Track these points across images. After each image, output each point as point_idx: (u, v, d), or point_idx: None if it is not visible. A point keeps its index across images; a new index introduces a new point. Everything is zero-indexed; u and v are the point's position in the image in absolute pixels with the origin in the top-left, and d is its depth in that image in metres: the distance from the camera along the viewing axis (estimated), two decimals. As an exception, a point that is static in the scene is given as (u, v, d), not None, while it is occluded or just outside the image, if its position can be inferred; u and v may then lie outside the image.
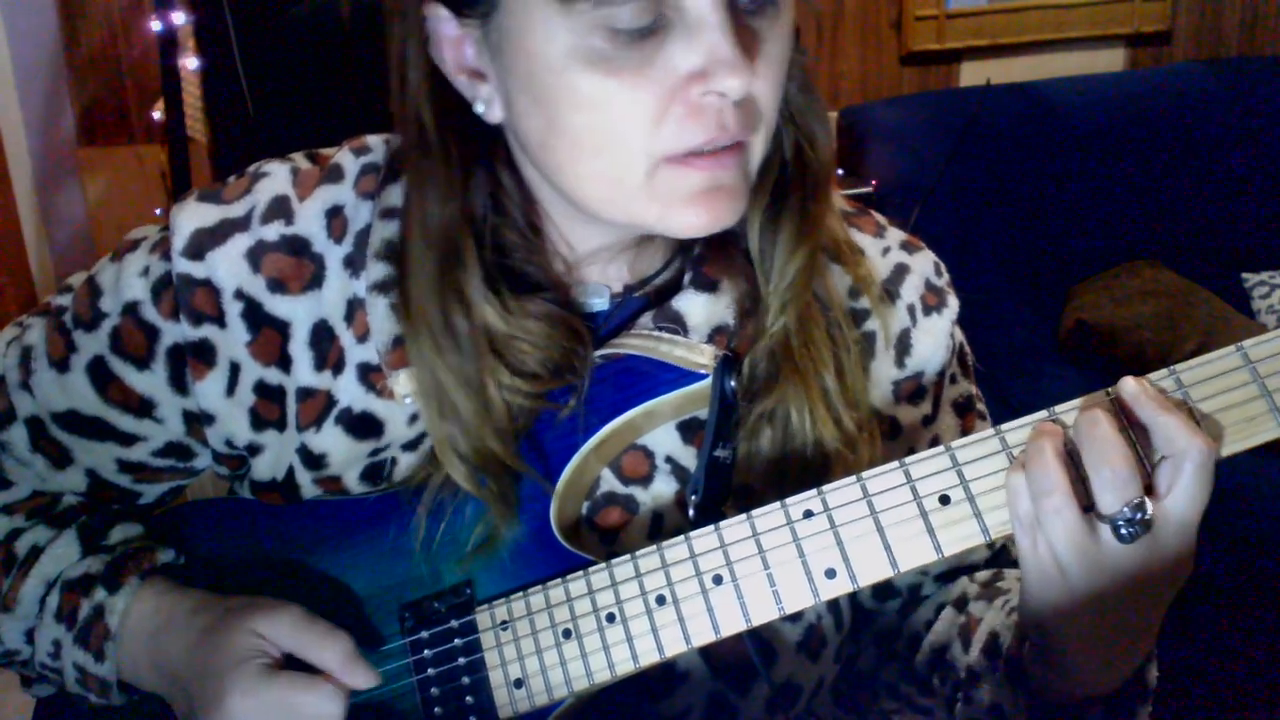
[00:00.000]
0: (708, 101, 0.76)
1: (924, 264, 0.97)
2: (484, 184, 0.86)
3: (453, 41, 0.82)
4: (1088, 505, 0.70)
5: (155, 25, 2.46)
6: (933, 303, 0.95)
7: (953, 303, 0.96)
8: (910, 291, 0.95)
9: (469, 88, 0.83)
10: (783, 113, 0.86)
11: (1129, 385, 0.72)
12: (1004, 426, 0.75)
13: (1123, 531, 0.69)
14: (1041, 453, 0.71)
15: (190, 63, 2.47)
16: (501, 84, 0.81)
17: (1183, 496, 0.69)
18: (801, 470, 0.87)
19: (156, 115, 2.59)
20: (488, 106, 0.83)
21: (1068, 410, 0.74)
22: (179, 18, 2.44)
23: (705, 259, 0.90)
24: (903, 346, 0.94)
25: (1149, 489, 0.70)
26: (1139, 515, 0.69)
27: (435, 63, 0.83)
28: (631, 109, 0.76)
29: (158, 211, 2.78)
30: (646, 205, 0.79)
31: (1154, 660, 0.82)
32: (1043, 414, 0.74)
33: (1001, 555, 0.99)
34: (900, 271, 0.95)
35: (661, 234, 0.82)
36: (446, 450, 0.84)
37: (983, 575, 0.98)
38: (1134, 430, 0.71)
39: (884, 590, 1.00)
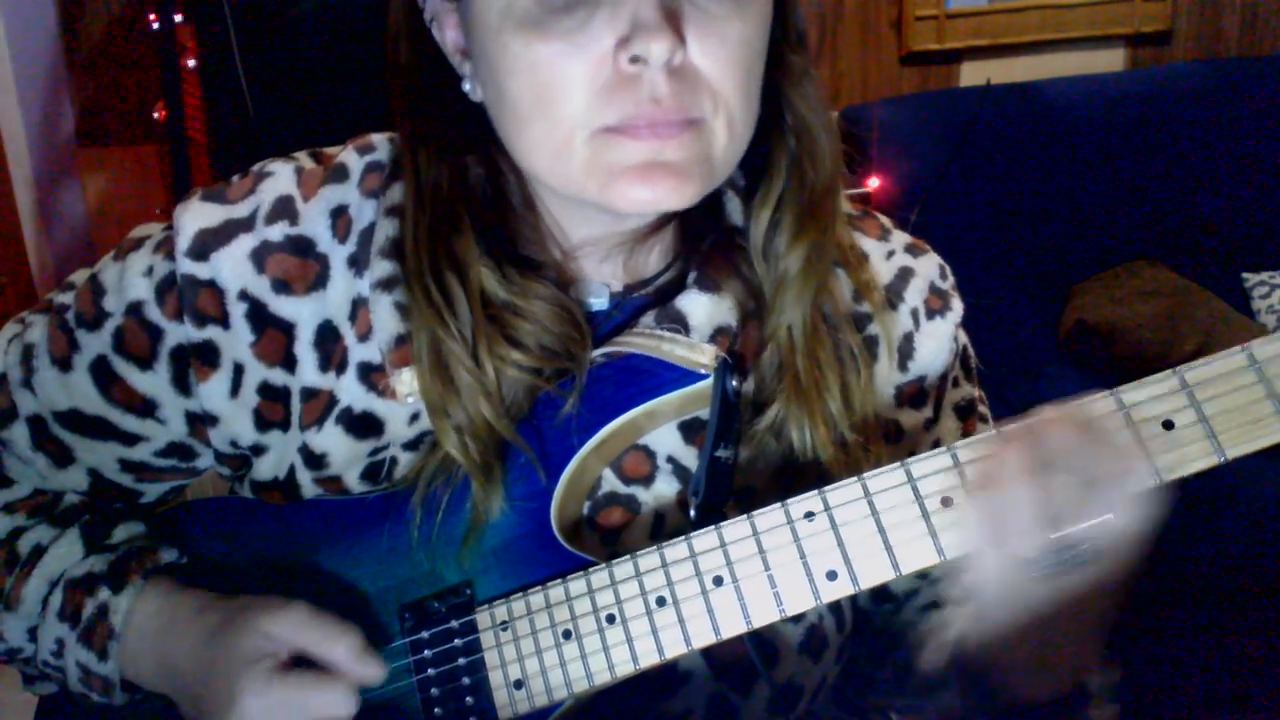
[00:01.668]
0: (637, 71, 0.76)
1: (929, 267, 0.97)
2: (480, 163, 0.88)
3: (448, 21, 0.85)
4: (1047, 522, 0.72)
5: (155, 25, 2.46)
6: (936, 306, 0.95)
7: (957, 306, 0.96)
8: (914, 295, 0.95)
9: (460, 66, 0.86)
10: (785, 120, 0.87)
11: (1047, 416, 0.73)
12: (1005, 428, 0.75)
13: (1074, 551, 0.71)
14: (1005, 467, 0.72)
15: (190, 63, 2.47)
16: (472, 58, 0.84)
17: (1133, 515, 0.71)
18: (803, 476, 0.87)
19: (156, 115, 2.59)
20: (472, 85, 0.85)
21: (972, 442, 0.75)
22: (179, 18, 2.44)
23: (710, 260, 0.90)
24: (905, 351, 0.94)
25: (1071, 519, 0.72)
26: (1088, 535, 0.70)
27: (435, 41, 0.86)
28: (563, 76, 0.77)
29: (158, 212, 2.78)
30: (587, 178, 0.79)
31: (1103, 670, 0.83)
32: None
33: None
34: (904, 275, 0.95)
35: (606, 209, 0.81)
36: (439, 417, 0.84)
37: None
38: (1058, 461, 0.72)
39: (880, 594, 1.01)
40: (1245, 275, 2.79)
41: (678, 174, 0.78)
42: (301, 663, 0.82)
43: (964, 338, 0.99)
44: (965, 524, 0.74)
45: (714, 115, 0.79)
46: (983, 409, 1.01)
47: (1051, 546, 0.70)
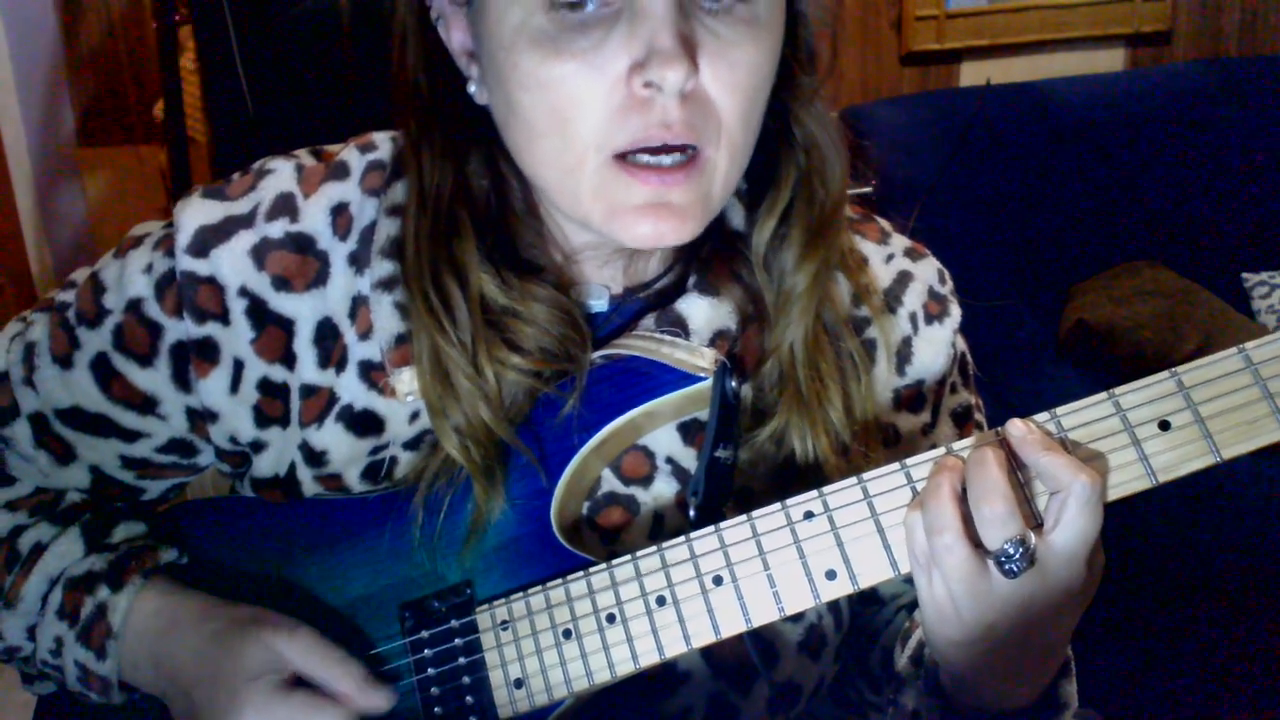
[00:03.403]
0: (649, 95, 0.76)
1: (927, 271, 0.97)
2: (483, 165, 0.88)
3: (455, 23, 0.85)
4: (979, 542, 0.72)
5: (155, 25, 2.47)
6: (935, 311, 0.95)
7: (955, 311, 0.96)
8: (913, 299, 0.95)
9: (466, 68, 0.86)
10: (794, 136, 0.88)
11: (1015, 427, 0.74)
12: (1004, 428, 0.75)
13: (1006, 567, 0.71)
14: (937, 490, 0.73)
15: (190, 63, 2.47)
16: (480, 64, 0.84)
17: (1067, 531, 0.71)
18: (802, 478, 0.87)
19: (156, 115, 2.59)
20: (478, 88, 0.85)
21: (964, 448, 0.75)
22: (179, 18, 2.45)
23: (710, 264, 0.90)
24: (903, 355, 0.94)
25: (1040, 525, 0.72)
26: (1020, 551, 0.70)
27: (443, 40, 0.86)
28: (576, 95, 0.77)
29: (158, 212, 2.77)
30: (593, 203, 0.80)
31: (1069, 678, 0.83)
32: (1045, 415, 0.74)
33: None
34: (903, 279, 0.95)
35: (608, 238, 0.82)
36: (439, 417, 0.84)
37: None
38: (1024, 469, 0.73)
39: (867, 597, 1.01)
40: (1245, 275, 2.79)
41: (680, 215, 0.80)
42: (300, 686, 0.83)
43: (962, 344, 0.99)
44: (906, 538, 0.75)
45: (717, 148, 0.80)
46: (979, 416, 1.01)
47: (1013, 539, 0.71)
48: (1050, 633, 0.76)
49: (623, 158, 0.78)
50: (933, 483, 0.73)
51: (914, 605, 0.96)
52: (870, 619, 1.01)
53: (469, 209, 0.86)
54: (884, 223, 1.00)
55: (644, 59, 0.75)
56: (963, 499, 0.73)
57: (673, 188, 0.79)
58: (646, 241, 0.81)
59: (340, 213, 0.88)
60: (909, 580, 0.99)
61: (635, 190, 0.79)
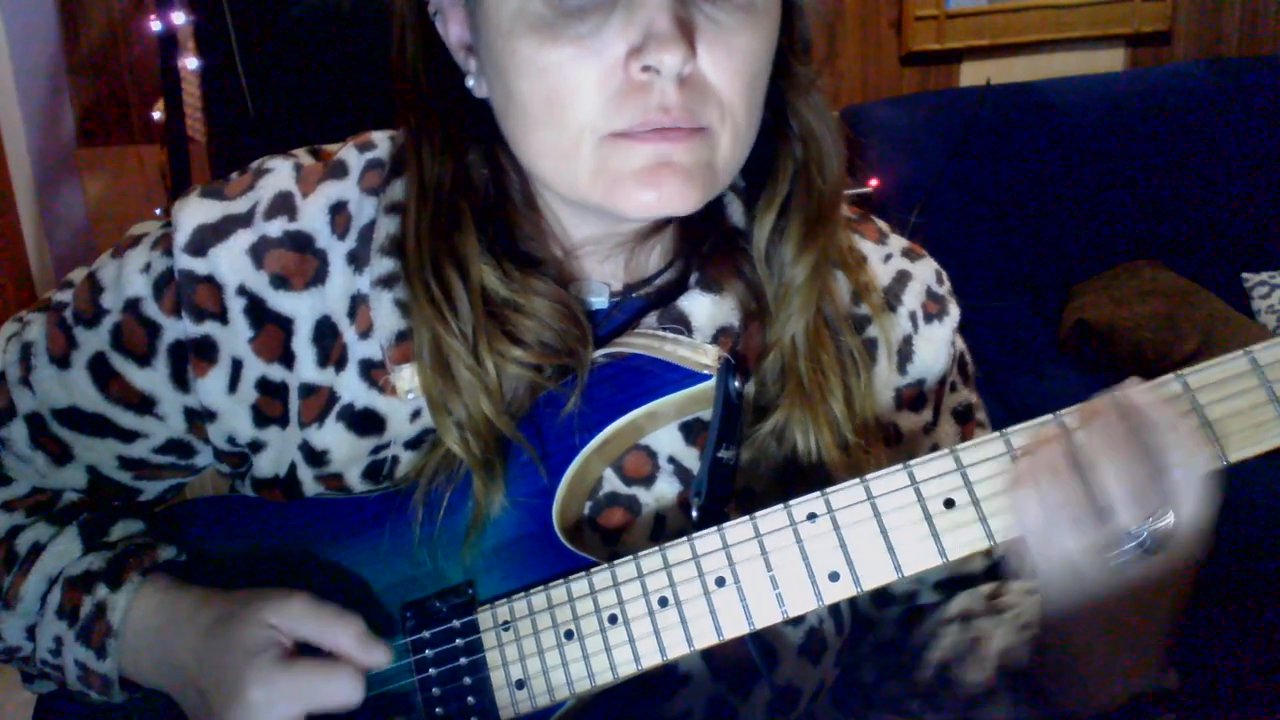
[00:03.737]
0: (647, 79, 0.76)
1: (925, 271, 0.97)
2: (483, 159, 0.88)
3: (453, 16, 0.85)
4: (1103, 515, 0.71)
5: (155, 25, 2.46)
6: (934, 310, 0.95)
7: (954, 311, 0.97)
8: (912, 299, 0.95)
9: (464, 62, 0.86)
10: (791, 127, 0.88)
11: (1139, 392, 0.72)
12: (1009, 430, 0.75)
13: (1147, 544, 0.69)
14: (1054, 463, 0.71)
15: (190, 63, 2.47)
16: (479, 56, 0.84)
17: (1192, 506, 0.70)
18: (804, 478, 0.87)
19: (156, 115, 2.59)
20: (476, 81, 0.85)
21: (1070, 414, 0.74)
22: (179, 18, 2.44)
23: (711, 260, 0.90)
24: (904, 353, 0.94)
25: (1135, 509, 0.71)
26: (1151, 533, 0.69)
27: (440, 35, 0.86)
28: (573, 80, 0.77)
29: (158, 211, 2.78)
30: (593, 182, 0.80)
31: (1162, 677, 0.83)
32: (1048, 417, 0.74)
33: (999, 566, 0.98)
34: (902, 279, 0.95)
35: (610, 213, 0.82)
36: (440, 413, 0.84)
37: (985, 589, 0.97)
38: (1139, 439, 0.71)
39: (882, 596, 1.00)
40: (1245, 275, 2.79)
41: (683, 176, 0.79)
42: (306, 652, 0.82)
43: (961, 343, 0.99)
44: (1014, 513, 0.73)
45: (720, 125, 0.80)
46: (980, 415, 1.01)
47: (1112, 537, 0.69)
48: (1167, 606, 0.75)
49: (620, 135, 0.78)
50: (1045, 454, 0.71)
51: (965, 618, 0.95)
52: (911, 636, 0.99)
53: (469, 201, 0.86)
54: (881, 223, 1.00)
55: (641, 43, 0.75)
56: (1079, 471, 0.71)
57: (676, 145, 0.78)
58: (650, 209, 0.80)
59: (339, 211, 0.88)
60: (934, 586, 0.98)
61: (635, 153, 0.78)
